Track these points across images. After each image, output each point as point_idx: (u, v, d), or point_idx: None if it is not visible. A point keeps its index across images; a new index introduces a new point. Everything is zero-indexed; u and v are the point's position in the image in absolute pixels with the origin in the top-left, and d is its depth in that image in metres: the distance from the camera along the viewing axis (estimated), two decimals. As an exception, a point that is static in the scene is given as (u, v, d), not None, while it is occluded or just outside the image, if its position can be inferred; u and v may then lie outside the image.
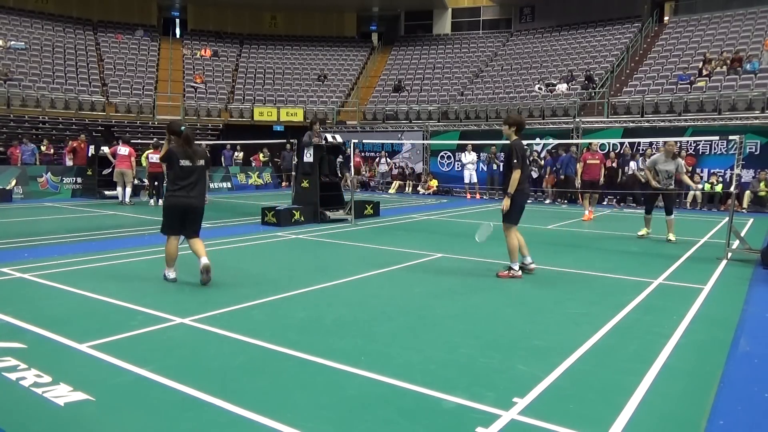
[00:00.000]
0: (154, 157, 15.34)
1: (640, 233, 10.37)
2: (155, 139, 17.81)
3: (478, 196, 19.63)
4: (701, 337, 4.57)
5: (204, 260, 6.03)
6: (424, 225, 12.07)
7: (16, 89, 22.81)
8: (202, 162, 6.21)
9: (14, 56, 24.75)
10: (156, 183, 15.42)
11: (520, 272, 6.70)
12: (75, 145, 18.29)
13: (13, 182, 16.15)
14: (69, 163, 18.19)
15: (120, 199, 15.40)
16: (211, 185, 20.03)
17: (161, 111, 26.25)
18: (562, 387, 3.51)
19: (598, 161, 13.82)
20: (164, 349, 4.09)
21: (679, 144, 16.53)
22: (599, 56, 26.18)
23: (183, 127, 6.21)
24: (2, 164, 17.50)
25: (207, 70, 29.68)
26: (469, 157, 19.55)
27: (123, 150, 15.37)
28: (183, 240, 6.33)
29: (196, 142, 6.49)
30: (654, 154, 16.62)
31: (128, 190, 15.38)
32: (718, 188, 15.99)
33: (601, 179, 14.41)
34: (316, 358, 3.92)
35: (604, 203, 17.45)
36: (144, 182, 16.86)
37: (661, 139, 16.19)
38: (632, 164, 16.98)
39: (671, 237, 9.87)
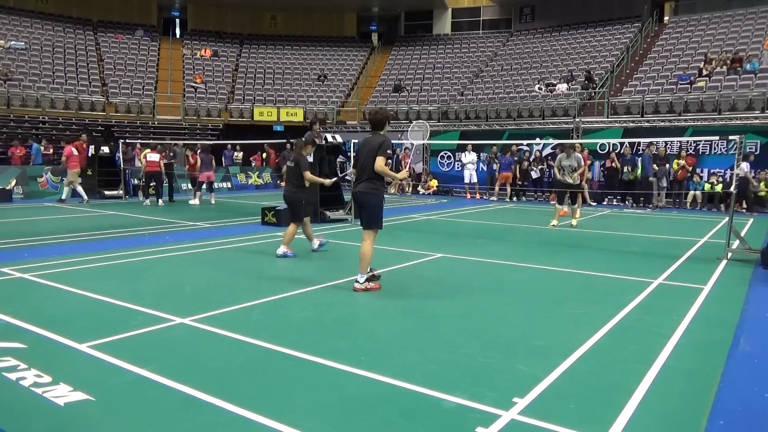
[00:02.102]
0: (152, 157, 15.28)
1: (552, 223, 11.71)
2: (177, 143, 17.81)
3: (478, 196, 19.62)
4: (701, 337, 4.57)
5: (280, 249, 7.84)
6: (424, 225, 12.06)
7: (16, 89, 22.81)
8: (290, 164, 8.06)
9: (14, 56, 24.74)
10: (153, 183, 15.36)
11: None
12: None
13: (13, 182, 16.15)
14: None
15: (85, 198, 15.37)
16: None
17: (161, 111, 26.26)
18: (562, 387, 3.51)
19: None
20: (164, 349, 4.09)
21: (679, 144, 16.63)
22: (599, 56, 26.17)
23: (304, 138, 8.24)
24: (2, 164, 17.49)
25: (207, 70, 29.67)
26: (469, 157, 19.53)
27: (75, 151, 15.57)
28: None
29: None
30: (645, 152, 16.76)
31: (68, 189, 15.45)
32: (718, 188, 15.98)
33: (582, 181, 14.39)
34: (316, 358, 3.91)
35: (604, 203, 17.45)
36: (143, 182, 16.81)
37: (656, 139, 16.27)
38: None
39: (574, 222, 11.59)
